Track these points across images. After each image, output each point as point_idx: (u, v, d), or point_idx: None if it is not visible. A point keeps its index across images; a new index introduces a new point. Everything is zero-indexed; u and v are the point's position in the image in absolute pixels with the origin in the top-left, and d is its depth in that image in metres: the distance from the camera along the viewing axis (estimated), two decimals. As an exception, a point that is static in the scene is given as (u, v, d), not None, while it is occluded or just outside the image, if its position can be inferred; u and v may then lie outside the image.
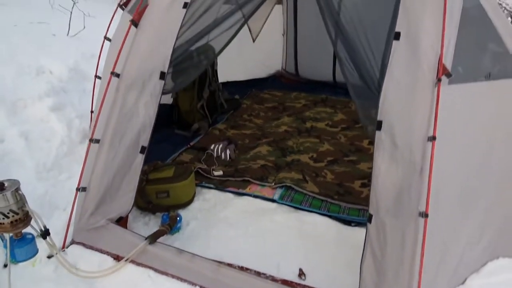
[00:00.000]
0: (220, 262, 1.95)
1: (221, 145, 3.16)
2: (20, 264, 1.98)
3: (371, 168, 1.72)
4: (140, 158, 2.10)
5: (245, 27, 2.91)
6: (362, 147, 3.26)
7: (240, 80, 4.66)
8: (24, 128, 2.86)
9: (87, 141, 2.10)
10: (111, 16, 2.81)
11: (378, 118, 1.69)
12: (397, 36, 1.68)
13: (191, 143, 3.34)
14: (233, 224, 2.37)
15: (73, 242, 2.09)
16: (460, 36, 1.68)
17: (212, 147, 3.17)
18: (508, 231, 1.94)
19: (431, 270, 1.66)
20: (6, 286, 1.80)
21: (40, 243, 2.04)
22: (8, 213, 1.78)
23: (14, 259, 1.94)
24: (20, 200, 1.82)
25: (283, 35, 4.91)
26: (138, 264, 1.98)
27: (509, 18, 5.77)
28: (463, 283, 1.85)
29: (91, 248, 2.07)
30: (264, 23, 4.59)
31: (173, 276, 1.93)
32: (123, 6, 2.48)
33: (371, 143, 1.76)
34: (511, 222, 1.94)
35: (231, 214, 2.47)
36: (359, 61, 1.89)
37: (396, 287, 1.63)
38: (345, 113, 3.91)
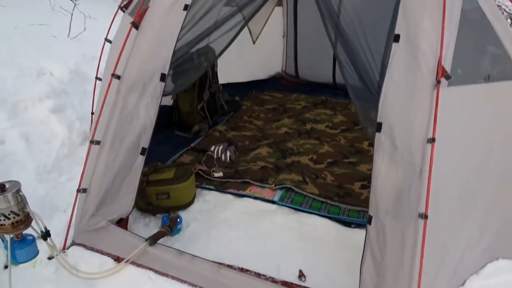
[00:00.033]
0: (220, 264, 1.95)
1: (221, 147, 3.17)
2: (21, 265, 1.98)
3: (371, 169, 1.73)
4: (141, 159, 2.11)
5: (245, 29, 2.92)
6: (362, 148, 3.26)
7: (240, 81, 4.67)
8: (25, 130, 2.87)
9: (87, 143, 2.11)
10: (112, 18, 2.82)
11: (378, 120, 1.70)
12: (396, 38, 1.69)
13: (191, 145, 3.35)
14: (233, 225, 2.37)
15: (73, 243, 2.10)
16: (459, 39, 1.69)
17: (212, 148, 3.18)
18: (508, 233, 1.94)
19: (431, 272, 1.66)
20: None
21: (41, 244, 2.05)
22: (9, 214, 1.79)
23: (15, 260, 1.95)
24: (21, 201, 1.82)
25: (283, 36, 4.92)
26: (139, 265, 1.99)
27: (509, 20, 5.78)
28: (462, 285, 1.85)
29: (92, 249, 2.07)
30: (264, 25, 4.60)
31: (173, 278, 1.94)
32: (124, 8, 2.49)
33: (371, 144, 1.77)
34: (510, 223, 1.94)
35: (231, 215, 2.47)
36: (359, 63, 1.90)
37: (396, 288, 1.63)
38: (345, 115, 3.92)
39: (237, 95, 4.33)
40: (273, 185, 2.71)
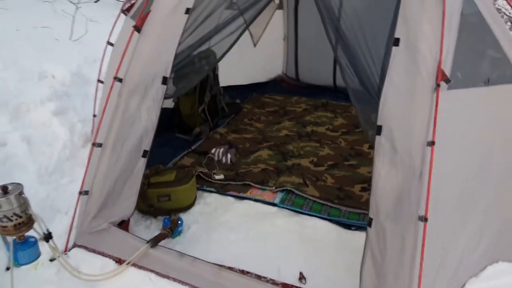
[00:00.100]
0: (221, 266, 1.96)
1: (222, 149, 3.18)
2: (23, 267, 2.00)
3: (371, 172, 1.73)
4: (142, 162, 2.12)
5: (246, 31, 2.93)
6: (362, 151, 3.27)
7: (241, 84, 4.68)
8: (27, 132, 2.88)
9: (89, 145, 2.12)
10: (114, 21, 2.84)
11: (378, 123, 1.71)
12: (396, 42, 1.70)
13: (192, 147, 3.36)
14: (234, 228, 2.38)
15: (75, 245, 2.11)
16: (459, 42, 1.70)
17: (213, 151, 3.19)
18: (507, 235, 1.95)
19: (431, 274, 1.66)
20: (9, 289, 1.81)
21: (42, 246, 2.06)
22: (11, 216, 1.80)
23: (17, 262, 1.96)
24: (24, 203, 1.84)
25: (283, 39, 4.94)
26: (140, 267, 1.99)
27: (509, 23, 5.80)
28: (462, 287, 1.86)
29: (93, 251, 2.08)
30: (265, 28, 4.62)
31: (174, 280, 1.94)
32: (126, 12, 2.51)
33: (371, 147, 1.78)
34: (510, 226, 1.95)
35: (232, 218, 2.48)
36: (359, 67, 1.91)
37: (396, 291, 1.64)
38: (345, 118, 3.93)
39: (238, 97, 4.35)
40: (274, 188, 2.72)
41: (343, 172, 2.97)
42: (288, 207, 2.56)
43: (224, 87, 4.06)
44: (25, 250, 1.98)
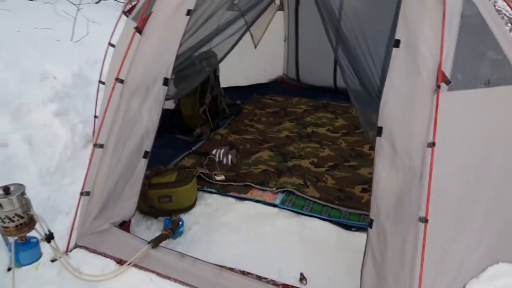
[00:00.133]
0: (222, 267, 1.96)
1: (222, 150, 3.19)
2: (24, 267, 2.00)
3: (371, 173, 1.74)
4: (143, 163, 2.13)
5: (247, 33, 2.94)
6: (363, 152, 3.28)
7: (242, 85, 4.69)
8: (28, 133, 2.89)
9: (90, 146, 2.13)
10: (115, 23, 2.84)
11: (379, 124, 1.71)
12: (396, 43, 1.71)
13: (193, 148, 3.37)
14: (234, 228, 2.38)
15: (76, 246, 2.11)
16: (459, 44, 1.71)
17: (213, 152, 3.19)
18: (508, 236, 1.95)
19: (431, 275, 1.67)
20: (10, 290, 1.82)
21: (44, 247, 2.07)
22: (13, 217, 1.81)
23: (18, 262, 1.97)
24: (25, 204, 1.85)
25: (284, 41, 4.94)
26: (141, 268, 2.00)
27: (510, 25, 5.80)
28: (462, 288, 1.86)
29: (94, 252, 2.08)
30: (266, 29, 4.62)
31: (175, 280, 1.94)
32: (127, 13, 2.52)
33: (372, 148, 1.78)
34: (510, 227, 1.95)
35: (233, 218, 2.48)
36: (360, 68, 1.92)
37: (397, 291, 1.65)
38: (346, 119, 3.93)
39: (238, 98, 4.35)
40: (274, 189, 2.73)
41: (344, 173, 2.97)
42: (288, 208, 2.57)
43: (224, 88, 4.07)
44: (26, 250, 1.99)
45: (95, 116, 3.02)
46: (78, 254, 2.08)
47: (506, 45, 1.89)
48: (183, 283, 1.93)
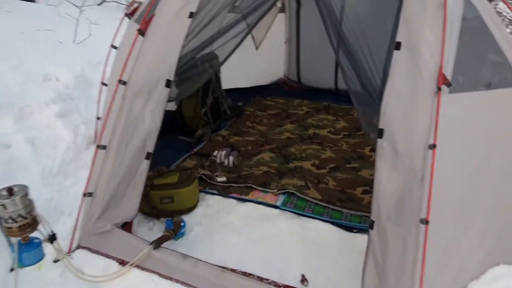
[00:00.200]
0: (223, 268, 1.97)
1: (224, 152, 3.20)
2: (27, 268, 2.01)
3: (372, 175, 1.75)
4: (146, 164, 2.13)
5: (249, 35, 2.96)
6: (364, 154, 3.28)
7: (243, 87, 4.70)
8: (31, 134, 2.90)
9: (92, 147, 2.14)
10: (118, 25, 2.86)
11: (380, 126, 1.72)
12: (397, 46, 1.72)
13: (195, 149, 3.38)
14: (236, 230, 2.39)
15: (79, 246, 2.12)
16: (460, 46, 1.72)
17: (215, 153, 3.20)
18: (508, 238, 1.95)
19: (432, 277, 1.67)
20: (13, 290, 1.83)
21: (46, 247, 2.08)
22: (16, 217, 1.82)
23: (21, 263, 1.98)
24: (29, 205, 1.86)
25: (285, 43, 4.96)
26: (143, 268, 2.00)
27: (510, 27, 5.80)
28: (463, 290, 1.87)
29: (97, 252, 2.09)
30: (267, 31, 4.64)
31: (177, 281, 1.95)
32: (130, 15, 2.53)
33: (373, 150, 1.79)
34: (511, 228, 1.96)
35: (234, 220, 2.49)
36: (361, 70, 1.93)
37: (398, 293, 1.65)
38: (347, 121, 3.94)
39: (240, 100, 4.37)
40: (276, 190, 2.73)
41: (345, 175, 2.98)
42: (290, 209, 2.57)
43: (226, 90, 4.09)
44: (29, 251, 2.00)
45: (98, 118, 3.03)
46: (81, 255, 2.09)
47: (507, 48, 1.90)
48: (185, 284, 1.94)
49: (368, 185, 2.74)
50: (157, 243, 2.06)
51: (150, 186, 2.47)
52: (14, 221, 1.83)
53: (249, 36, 4.14)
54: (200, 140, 3.54)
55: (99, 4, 7.40)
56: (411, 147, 1.66)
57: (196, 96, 3.59)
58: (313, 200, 2.64)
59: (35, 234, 2.01)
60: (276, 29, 4.72)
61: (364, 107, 2.00)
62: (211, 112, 3.73)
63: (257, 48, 4.63)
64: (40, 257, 2.05)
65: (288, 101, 4.57)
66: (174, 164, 3.13)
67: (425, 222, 1.58)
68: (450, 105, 1.63)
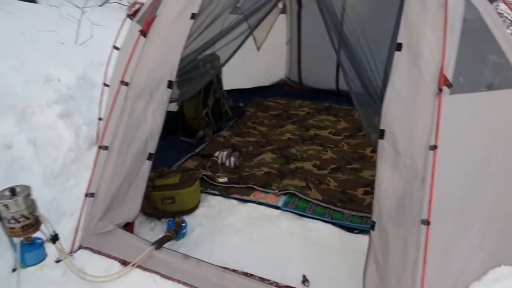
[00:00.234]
0: (225, 268, 1.97)
1: (225, 152, 3.20)
2: (29, 268, 2.02)
3: (373, 176, 1.75)
4: (148, 164, 2.14)
5: (250, 36, 2.96)
6: (365, 155, 3.29)
7: (245, 88, 4.71)
8: (33, 135, 2.91)
9: (94, 148, 2.14)
10: (119, 26, 2.87)
11: (381, 127, 1.72)
12: (398, 47, 1.72)
13: (196, 150, 3.38)
14: (237, 230, 2.40)
15: (80, 247, 2.13)
16: (461, 47, 1.72)
17: (216, 154, 3.21)
18: (510, 239, 1.96)
19: (433, 277, 1.67)
20: (16, 290, 1.83)
21: (48, 248, 2.08)
22: (19, 218, 1.83)
23: (24, 263, 1.98)
24: (31, 205, 1.86)
25: (287, 43, 4.97)
26: (145, 269, 2.01)
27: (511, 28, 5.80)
28: (465, 290, 1.87)
29: (99, 253, 2.10)
30: (269, 32, 4.65)
31: (179, 281, 1.95)
32: (132, 16, 2.54)
33: (374, 151, 1.80)
34: (512, 229, 1.96)
35: (236, 220, 2.49)
36: (362, 71, 1.93)
37: (399, 293, 1.65)
38: (348, 122, 3.95)
39: (241, 101, 4.37)
40: (277, 191, 2.74)
41: (346, 176, 2.98)
42: (291, 210, 2.58)
43: (227, 91, 4.09)
44: (32, 251, 2.01)
45: (99, 119, 3.04)
46: (83, 255, 2.09)
47: (508, 49, 1.90)
48: (187, 285, 1.94)
49: (369, 186, 2.74)
50: (159, 244, 2.07)
51: (151, 186, 2.47)
52: (17, 221, 1.83)
53: (251, 37, 4.17)
54: (202, 141, 3.55)
55: (100, 5, 7.42)
56: (412, 148, 1.66)
57: (198, 97, 3.59)
58: (314, 201, 2.64)
59: (37, 234, 2.02)
60: (277, 30, 4.73)
61: (365, 108, 2.01)
62: (212, 113, 3.73)
63: (258, 49, 4.64)
64: (43, 257, 2.06)
65: (289, 102, 4.57)
66: (175, 165, 3.14)
67: (426, 222, 1.58)
68: (451, 106, 1.64)
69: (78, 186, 2.61)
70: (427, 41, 1.68)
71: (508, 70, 1.92)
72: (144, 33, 2.09)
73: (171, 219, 2.37)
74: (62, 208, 2.46)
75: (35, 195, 2.01)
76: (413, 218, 1.63)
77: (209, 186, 2.83)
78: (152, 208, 2.47)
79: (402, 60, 1.71)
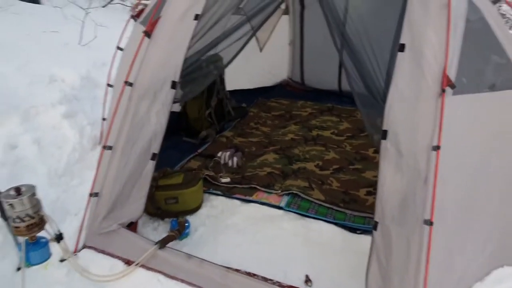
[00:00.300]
0: (228, 268, 1.98)
1: (228, 153, 3.21)
2: (33, 267, 2.03)
3: (376, 176, 1.75)
4: (151, 165, 2.15)
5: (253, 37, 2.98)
6: (367, 155, 3.29)
7: (247, 88, 4.72)
8: (37, 135, 2.92)
9: (98, 148, 2.15)
10: (123, 27, 2.88)
11: (384, 128, 1.72)
12: (401, 47, 1.72)
13: (199, 150, 3.40)
14: (240, 230, 2.40)
15: (85, 246, 2.14)
16: (464, 48, 1.72)
17: (219, 154, 3.22)
18: (512, 239, 1.96)
19: (436, 278, 1.67)
20: (20, 289, 1.85)
21: (53, 247, 2.10)
22: (24, 217, 1.84)
23: (28, 262, 1.99)
24: (36, 204, 1.88)
25: (289, 44, 4.98)
26: (148, 268, 2.02)
27: (514, 28, 5.78)
28: (468, 291, 1.87)
29: (103, 252, 2.11)
30: (271, 33, 4.66)
31: (182, 281, 1.96)
32: (136, 17, 2.56)
33: (376, 151, 1.80)
34: (515, 230, 1.96)
35: (239, 220, 2.50)
36: (365, 72, 1.94)
37: (402, 294, 1.66)
38: (351, 122, 3.95)
39: (244, 101, 4.38)
40: (280, 191, 2.75)
41: (349, 176, 2.99)
42: (294, 210, 2.58)
43: (230, 91, 4.10)
44: (36, 250, 2.02)
45: (103, 119, 3.06)
46: (87, 254, 2.10)
47: (511, 49, 1.90)
48: (190, 284, 1.95)
49: (372, 186, 2.75)
50: (162, 243, 2.08)
51: (155, 186, 2.48)
52: (22, 220, 1.84)
53: (253, 38, 4.18)
54: (204, 141, 3.56)
55: (104, 6, 7.45)
56: (414, 148, 1.66)
57: (201, 97, 3.60)
58: (317, 201, 2.65)
59: (42, 233, 2.03)
60: (280, 31, 4.74)
61: (367, 109, 2.01)
62: (215, 114, 3.75)
63: (261, 49, 4.65)
64: (47, 256, 2.07)
65: (291, 102, 4.58)
66: (178, 165, 3.15)
67: (429, 223, 1.58)
68: (454, 106, 1.64)
69: (82, 186, 2.62)
70: (429, 42, 1.68)
71: (511, 70, 1.92)
72: (148, 34, 2.10)
73: (174, 219, 2.38)
74: (66, 208, 2.47)
75: (39, 194, 2.02)
76: (416, 219, 1.63)
77: (212, 186, 2.84)
78: (155, 208, 2.48)
79: (405, 61, 1.72)
